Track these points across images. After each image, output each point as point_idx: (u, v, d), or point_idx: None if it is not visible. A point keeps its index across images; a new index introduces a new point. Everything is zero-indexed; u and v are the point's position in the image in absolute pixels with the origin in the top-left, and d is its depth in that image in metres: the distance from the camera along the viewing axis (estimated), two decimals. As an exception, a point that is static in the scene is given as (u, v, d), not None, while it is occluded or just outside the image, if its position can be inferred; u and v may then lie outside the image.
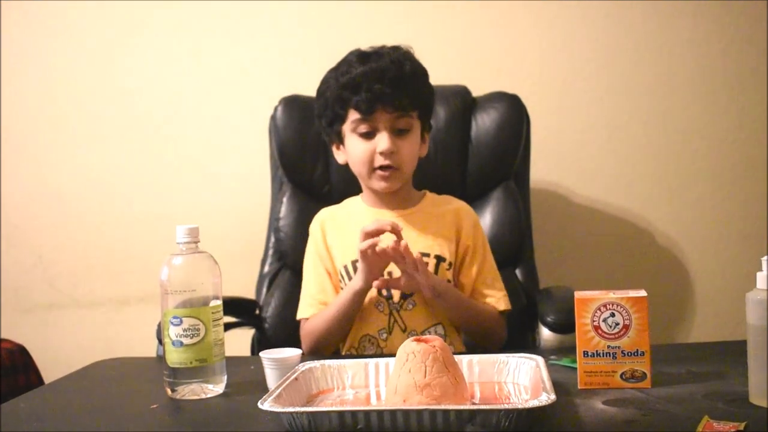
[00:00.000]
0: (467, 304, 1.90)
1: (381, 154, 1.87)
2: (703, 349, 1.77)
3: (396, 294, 1.89)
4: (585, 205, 2.62)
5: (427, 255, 1.91)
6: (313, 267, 1.97)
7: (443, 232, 1.95)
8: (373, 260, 1.77)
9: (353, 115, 1.88)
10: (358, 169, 1.94)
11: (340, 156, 1.99)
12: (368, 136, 1.88)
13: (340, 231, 1.97)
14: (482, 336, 1.91)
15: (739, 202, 2.61)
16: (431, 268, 1.90)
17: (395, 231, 1.75)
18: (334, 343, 1.91)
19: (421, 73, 1.95)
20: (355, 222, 1.94)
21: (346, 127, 1.91)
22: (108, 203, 2.69)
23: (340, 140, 1.96)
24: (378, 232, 1.75)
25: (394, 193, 1.96)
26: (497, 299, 1.93)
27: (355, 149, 1.91)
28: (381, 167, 1.88)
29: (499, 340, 1.92)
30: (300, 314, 1.95)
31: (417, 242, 1.90)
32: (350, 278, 1.90)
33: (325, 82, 1.96)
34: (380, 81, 1.85)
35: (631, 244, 2.64)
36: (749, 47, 2.59)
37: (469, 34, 2.61)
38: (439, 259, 1.92)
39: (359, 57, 1.91)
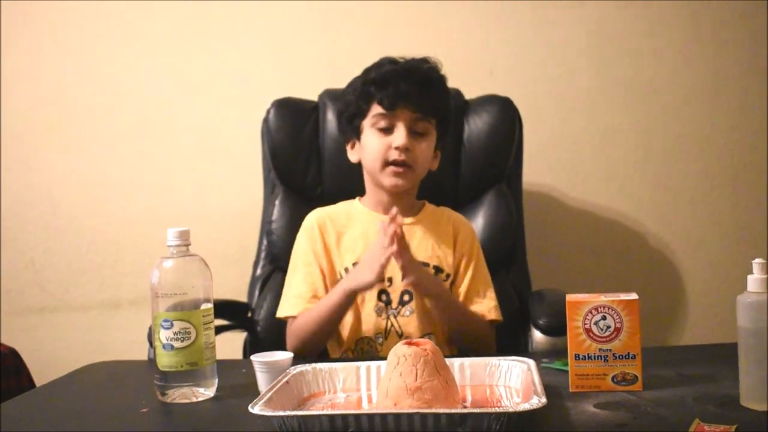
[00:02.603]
0: (459, 308, 1.91)
1: (396, 148, 1.89)
2: (694, 352, 1.77)
3: (394, 300, 1.91)
4: (577, 207, 2.63)
5: (427, 265, 1.94)
6: (304, 264, 1.96)
7: (442, 243, 1.97)
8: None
9: (375, 110, 1.92)
10: (371, 163, 1.94)
11: (353, 155, 2.01)
12: (386, 131, 1.91)
13: (342, 233, 1.97)
14: (471, 342, 1.90)
15: (731, 204, 2.62)
16: None
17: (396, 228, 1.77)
18: (322, 342, 1.91)
19: (445, 86, 2.01)
20: (357, 225, 1.97)
21: (366, 122, 1.94)
22: (100, 206, 2.68)
23: (357, 136, 1.98)
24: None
25: (398, 198, 1.97)
26: (488, 309, 1.93)
27: (371, 143, 1.93)
28: (395, 162, 1.90)
29: (487, 350, 1.90)
30: (286, 312, 1.93)
31: (417, 252, 1.92)
32: None
33: (351, 84, 2.01)
34: (407, 80, 1.90)
35: (624, 247, 2.64)
36: (742, 50, 2.60)
37: (462, 37, 2.62)
38: (437, 270, 1.94)
39: (390, 59, 1.97)
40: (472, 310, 1.93)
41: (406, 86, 1.89)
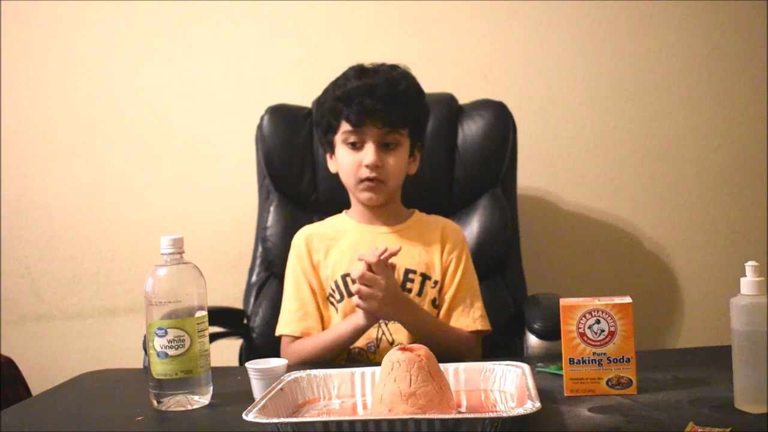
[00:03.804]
0: (436, 330, 1.88)
1: (366, 166, 1.91)
2: (689, 355, 1.77)
3: None
4: (572, 211, 2.63)
5: (414, 272, 1.94)
6: (294, 282, 1.98)
7: (430, 250, 1.98)
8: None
9: (344, 126, 1.93)
10: (345, 179, 1.98)
11: (332, 165, 2.03)
12: (356, 147, 1.93)
13: (329, 247, 1.98)
14: (452, 358, 1.87)
15: (725, 207, 2.62)
16: (417, 285, 1.93)
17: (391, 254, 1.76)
18: (321, 364, 1.91)
19: (415, 92, 2.00)
20: (345, 238, 1.99)
21: (338, 138, 1.96)
22: (96, 214, 2.68)
23: (332, 149, 2.00)
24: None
25: (382, 208, 1.99)
26: (473, 319, 1.93)
27: (343, 159, 1.95)
28: (367, 179, 1.92)
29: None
30: (280, 330, 1.96)
31: (405, 259, 1.93)
32: (345, 288, 1.92)
33: (324, 94, 2.02)
34: (372, 96, 1.90)
35: (619, 250, 2.64)
36: (735, 52, 2.60)
37: (455, 41, 2.62)
38: (425, 277, 1.94)
39: (356, 72, 1.97)
40: (452, 328, 1.92)
41: (371, 102, 1.89)
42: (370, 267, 1.74)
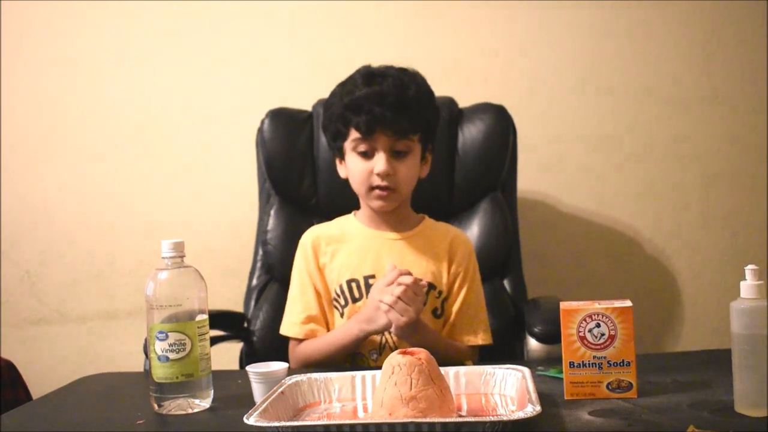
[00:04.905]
0: (437, 347, 1.82)
1: (378, 175, 1.88)
2: (689, 358, 1.77)
3: None
4: (572, 214, 2.63)
5: (420, 280, 1.91)
6: (300, 284, 1.97)
7: (438, 259, 1.96)
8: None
9: (354, 134, 1.90)
10: (356, 186, 1.96)
11: (342, 170, 2.01)
12: (367, 155, 1.90)
13: (336, 250, 1.98)
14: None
15: (725, 210, 2.62)
16: None
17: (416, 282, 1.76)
18: (323, 366, 1.91)
19: (425, 96, 1.96)
20: (352, 242, 1.98)
21: (348, 145, 1.93)
22: (95, 217, 2.68)
23: (342, 155, 1.98)
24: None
25: (391, 213, 1.97)
26: (475, 334, 1.93)
27: (354, 167, 1.93)
28: (378, 187, 1.90)
29: None
30: (285, 331, 1.96)
31: (412, 267, 1.90)
32: (350, 293, 1.92)
33: (331, 97, 1.99)
34: (381, 104, 1.86)
35: (619, 253, 2.64)
36: (735, 55, 2.61)
37: (455, 45, 2.62)
38: (431, 286, 1.93)
39: (364, 77, 1.93)
40: (453, 344, 1.91)
41: (381, 110, 1.85)
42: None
